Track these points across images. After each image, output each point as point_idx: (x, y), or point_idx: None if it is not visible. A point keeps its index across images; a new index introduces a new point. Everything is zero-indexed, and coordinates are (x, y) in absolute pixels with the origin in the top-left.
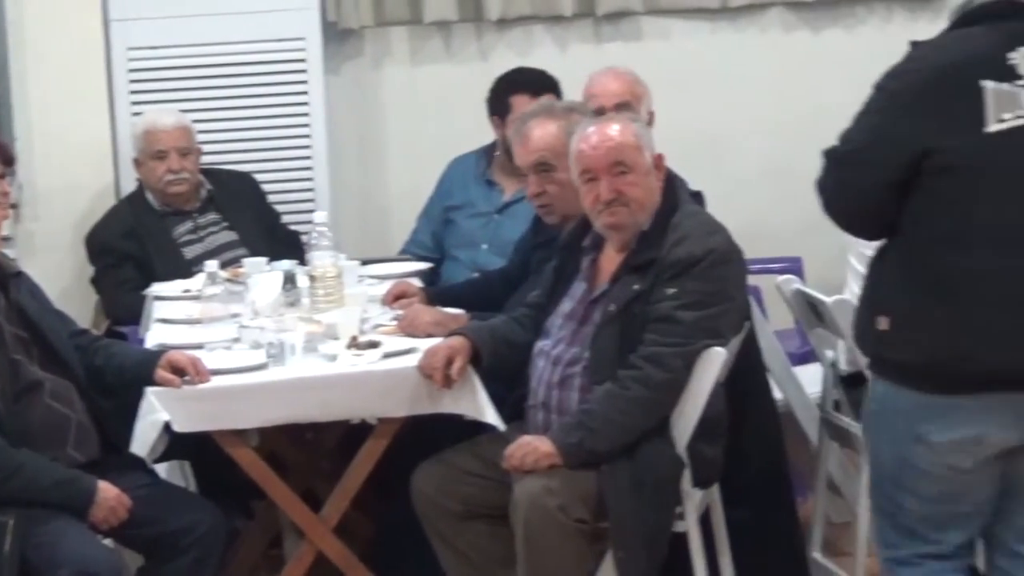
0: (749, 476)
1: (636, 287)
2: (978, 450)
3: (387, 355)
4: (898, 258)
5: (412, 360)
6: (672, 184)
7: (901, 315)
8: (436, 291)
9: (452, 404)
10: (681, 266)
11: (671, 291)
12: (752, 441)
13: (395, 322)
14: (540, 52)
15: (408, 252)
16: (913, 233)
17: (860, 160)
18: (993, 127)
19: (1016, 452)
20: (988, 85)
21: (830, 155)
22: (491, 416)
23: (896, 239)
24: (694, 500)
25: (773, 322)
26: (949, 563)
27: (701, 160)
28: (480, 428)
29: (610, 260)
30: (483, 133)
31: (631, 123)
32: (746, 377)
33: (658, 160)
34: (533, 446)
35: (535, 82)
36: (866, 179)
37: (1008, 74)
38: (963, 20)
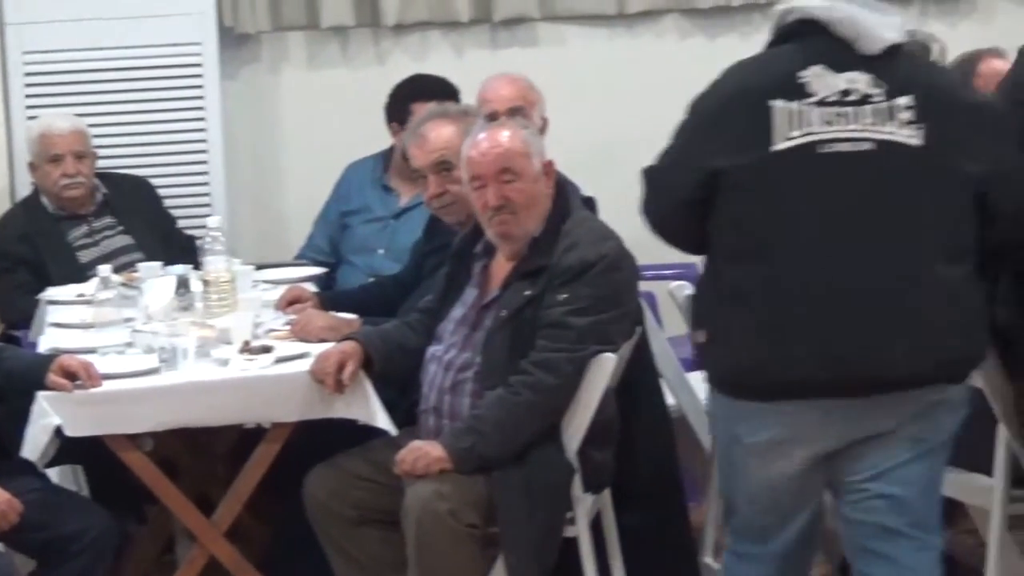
0: (641, 481)
1: (527, 293)
2: (792, 454)
3: (279, 360)
4: (708, 273)
5: (304, 365)
6: (564, 190)
7: (713, 328)
8: (330, 296)
9: (344, 409)
10: (572, 272)
11: (562, 297)
12: (644, 446)
13: (288, 327)
14: (437, 57)
15: (304, 257)
16: (716, 249)
17: (663, 180)
18: (780, 145)
19: (835, 456)
20: (777, 104)
21: (644, 174)
22: (383, 421)
23: (708, 255)
24: (585, 505)
25: (667, 328)
26: (784, 562)
27: (596, 166)
28: (373, 433)
29: (501, 266)
30: (380, 138)
31: (520, 130)
32: (638, 382)
33: (548, 167)
34: (424, 451)
35: (436, 90)
36: (669, 199)
37: (797, 93)
38: (776, 39)
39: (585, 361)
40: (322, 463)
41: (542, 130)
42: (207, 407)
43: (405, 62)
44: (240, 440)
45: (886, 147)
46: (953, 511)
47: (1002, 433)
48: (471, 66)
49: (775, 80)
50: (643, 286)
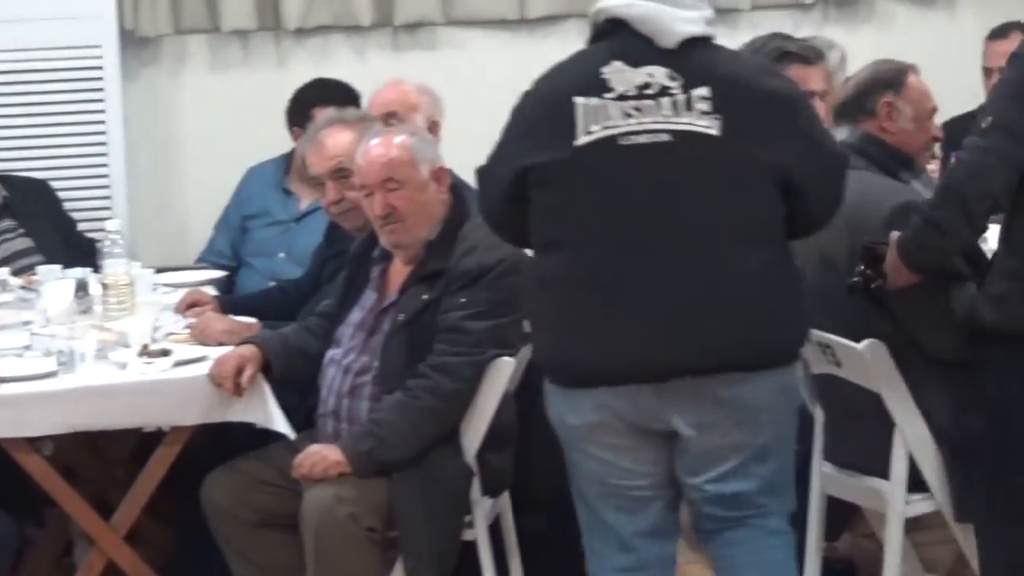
0: (540, 484)
1: (425, 297)
2: (611, 438)
3: (178, 363)
4: (530, 265)
5: (203, 368)
6: (462, 195)
7: (533, 318)
8: (229, 300)
9: (242, 412)
10: (470, 276)
11: (460, 301)
12: (543, 449)
13: (187, 330)
14: (338, 61)
15: (205, 261)
16: (533, 241)
17: (488, 179)
18: (581, 140)
19: (665, 441)
20: (579, 101)
21: (476, 173)
22: (281, 425)
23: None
24: (483, 508)
25: None
26: (642, 541)
27: None
28: (272, 437)
29: (400, 270)
30: (282, 142)
31: (408, 137)
32: (536, 386)
33: (439, 173)
34: (322, 455)
35: (337, 94)
36: (493, 196)
37: (599, 89)
38: (592, 39)
39: (483, 365)
40: (221, 467)
41: (433, 133)
42: (106, 410)
43: (307, 66)
44: (139, 444)
45: (683, 137)
46: (850, 515)
47: (898, 436)
48: (373, 70)
49: (580, 78)
50: None
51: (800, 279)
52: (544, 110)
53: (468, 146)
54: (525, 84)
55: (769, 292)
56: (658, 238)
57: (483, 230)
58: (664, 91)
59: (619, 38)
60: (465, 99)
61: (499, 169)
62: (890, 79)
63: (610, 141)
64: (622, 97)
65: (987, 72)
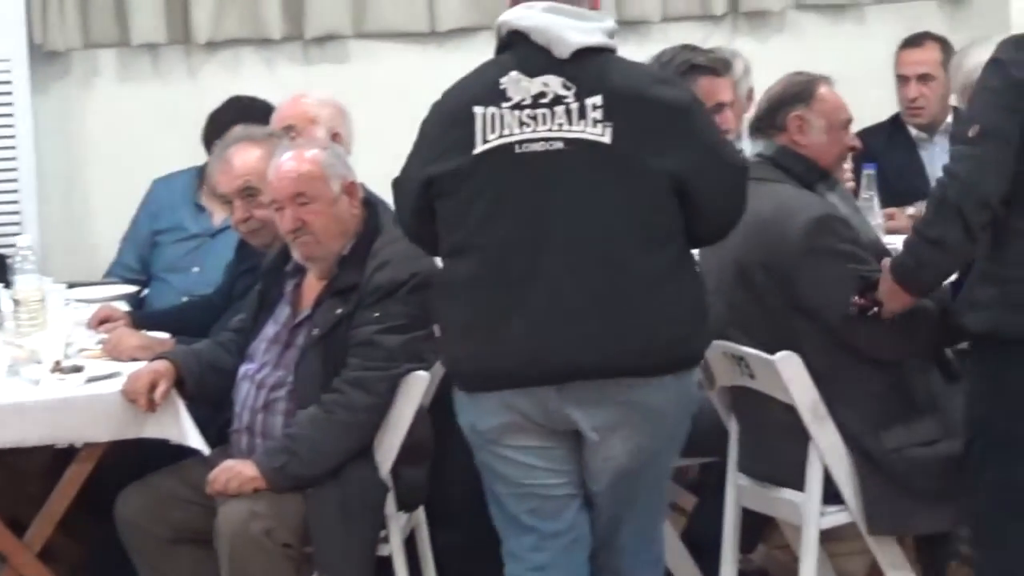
0: (455, 499)
1: (339, 311)
2: (520, 441)
3: (91, 379)
4: (439, 273)
5: (116, 384)
6: (374, 209)
7: (441, 324)
8: (142, 315)
9: (156, 428)
10: (384, 290)
11: (374, 315)
12: (458, 464)
13: (100, 346)
14: (249, 74)
15: (114, 275)
16: (441, 249)
17: (399, 191)
18: (479, 148)
19: (571, 442)
20: (478, 110)
21: (391, 185)
22: (195, 440)
23: None
24: (399, 523)
25: None
26: (560, 542)
27: None
28: (186, 452)
29: (313, 285)
30: (193, 155)
31: (319, 152)
32: (451, 400)
33: (350, 187)
34: (237, 470)
35: (255, 111)
36: (404, 207)
37: (497, 98)
38: (497, 49)
39: (398, 379)
40: (135, 483)
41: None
42: (18, 427)
43: (217, 79)
44: (52, 460)
45: (577, 145)
46: (765, 527)
47: (813, 448)
48: (284, 83)
49: (480, 89)
50: None
51: (700, 285)
52: (447, 121)
53: (380, 159)
54: (436, 96)
55: (667, 297)
56: (553, 244)
57: (396, 244)
58: (558, 100)
59: (519, 49)
60: (376, 111)
61: (409, 180)
62: (799, 93)
63: (507, 149)
64: (518, 106)
65: (902, 80)
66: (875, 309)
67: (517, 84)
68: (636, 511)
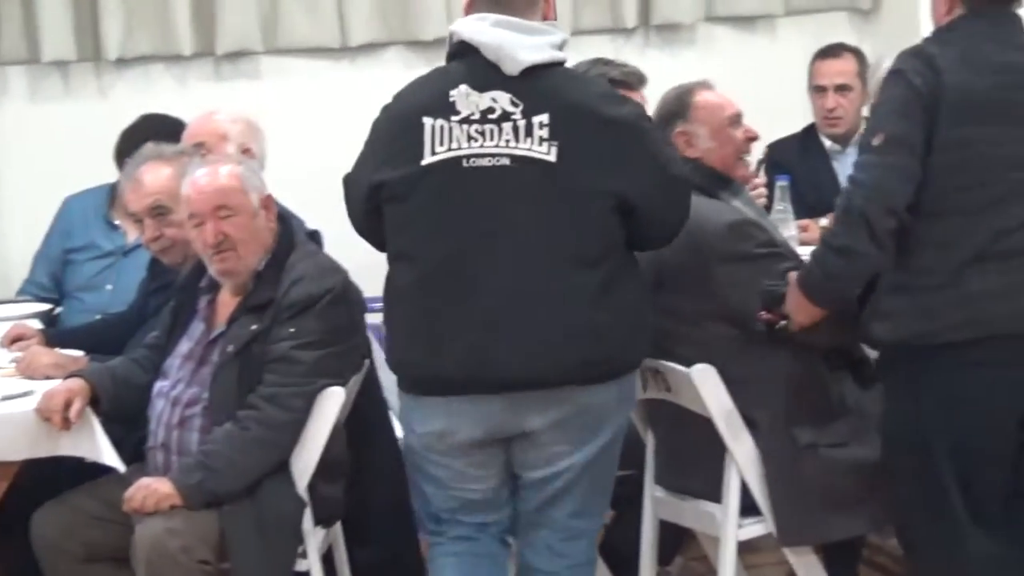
0: (372, 514)
1: (254, 327)
2: (456, 445)
3: (4, 398)
4: (387, 275)
5: (30, 403)
6: (288, 224)
7: (387, 326)
8: (55, 333)
9: (71, 446)
10: (299, 306)
11: (289, 331)
12: (375, 479)
13: (13, 365)
14: (161, 91)
15: (26, 293)
16: (388, 253)
17: (349, 191)
18: (428, 160)
19: (504, 447)
20: (427, 121)
21: (342, 182)
22: (110, 458)
23: None
24: (316, 539)
25: None
26: (477, 543)
27: (321, 198)
28: (101, 470)
29: (227, 301)
30: (105, 173)
31: (236, 166)
32: (367, 415)
33: (267, 201)
34: (153, 488)
35: (169, 129)
36: (353, 207)
37: (446, 111)
38: (448, 56)
39: (314, 395)
40: (50, 501)
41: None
42: None
43: (128, 96)
44: None
45: (522, 162)
46: (683, 539)
47: (730, 460)
48: (195, 99)
49: (430, 99)
50: (370, 318)
51: (641, 293)
52: (397, 128)
53: (293, 173)
54: (348, 111)
55: (606, 310)
56: (496, 259)
57: (311, 259)
58: (506, 116)
59: (470, 62)
60: (288, 126)
61: (358, 180)
62: (674, 110)
63: (454, 162)
64: (467, 120)
65: (819, 90)
66: (783, 323)
67: (466, 98)
68: (569, 510)
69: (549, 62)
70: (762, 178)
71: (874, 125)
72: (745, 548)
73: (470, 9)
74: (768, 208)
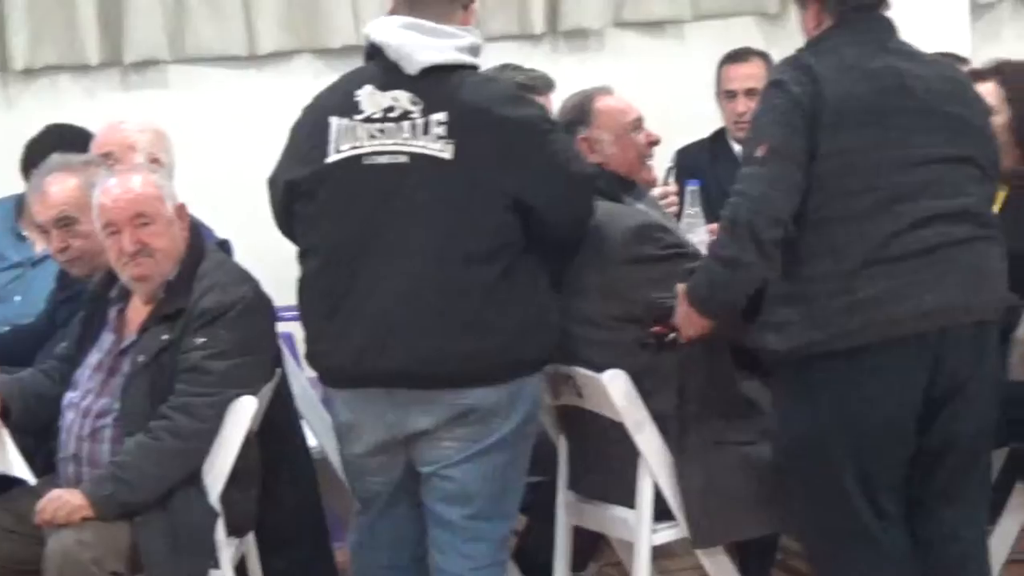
0: (286, 523)
1: (165, 337)
2: (361, 438)
3: None
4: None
5: None
6: (197, 233)
7: (300, 318)
8: None
9: None
10: (210, 316)
11: (200, 341)
12: (287, 488)
13: None
14: (68, 101)
15: None
16: (299, 248)
17: (270, 188)
18: (332, 157)
19: (407, 445)
20: (333, 120)
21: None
22: (21, 470)
23: None
24: (229, 549)
25: (308, 369)
26: (383, 520)
27: (231, 207)
28: (12, 483)
29: (138, 311)
30: (12, 184)
31: (150, 174)
32: (279, 425)
33: (180, 210)
34: (64, 499)
35: (75, 140)
36: (273, 204)
37: (351, 109)
38: (365, 57)
39: (225, 405)
40: None
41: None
42: None
43: (35, 107)
44: None
45: (419, 160)
46: (596, 545)
47: (643, 465)
48: (103, 109)
49: (339, 100)
50: (281, 327)
51: (538, 294)
52: (309, 128)
53: (202, 182)
54: (256, 119)
55: (496, 309)
56: (390, 255)
57: (222, 268)
58: (406, 115)
59: (377, 62)
60: (197, 135)
61: (276, 180)
62: (576, 117)
63: (356, 160)
64: (369, 119)
65: (729, 95)
66: (672, 336)
67: (370, 98)
68: (467, 511)
69: (453, 64)
70: (674, 186)
71: (756, 136)
72: (659, 553)
73: (391, 12)
74: (679, 213)
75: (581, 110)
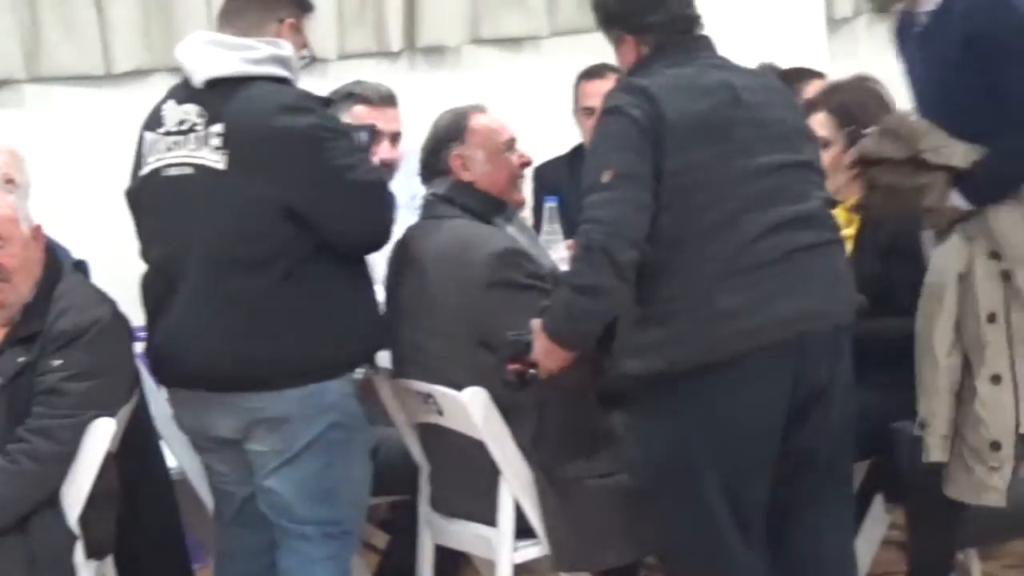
0: (145, 545)
1: (22, 359)
2: (193, 433)
3: None
4: None
5: None
6: (54, 254)
7: None
8: None
9: None
10: (66, 337)
11: (57, 363)
12: (147, 510)
13: None
14: None
15: None
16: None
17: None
18: (143, 171)
19: (228, 447)
20: (146, 136)
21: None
22: None
23: None
24: (88, 572)
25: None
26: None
27: (88, 227)
28: None
29: None
30: None
31: (6, 195)
32: (138, 446)
33: (36, 231)
34: None
35: None
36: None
37: (157, 124)
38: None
39: (83, 427)
40: None
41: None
42: None
43: None
44: None
45: (200, 171)
46: (459, 563)
47: (504, 483)
48: None
49: (151, 114)
50: (139, 348)
51: (319, 301)
52: (137, 143)
53: (59, 202)
54: (113, 138)
55: (270, 316)
56: (184, 264)
57: (78, 290)
58: (192, 128)
59: (182, 77)
60: (53, 155)
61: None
62: (450, 133)
63: (157, 173)
64: (168, 132)
65: (587, 112)
66: (532, 372)
67: (172, 111)
68: (293, 517)
69: (240, 75)
70: (531, 203)
71: (599, 163)
72: (522, 571)
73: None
74: (537, 230)
75: (456, 127)
